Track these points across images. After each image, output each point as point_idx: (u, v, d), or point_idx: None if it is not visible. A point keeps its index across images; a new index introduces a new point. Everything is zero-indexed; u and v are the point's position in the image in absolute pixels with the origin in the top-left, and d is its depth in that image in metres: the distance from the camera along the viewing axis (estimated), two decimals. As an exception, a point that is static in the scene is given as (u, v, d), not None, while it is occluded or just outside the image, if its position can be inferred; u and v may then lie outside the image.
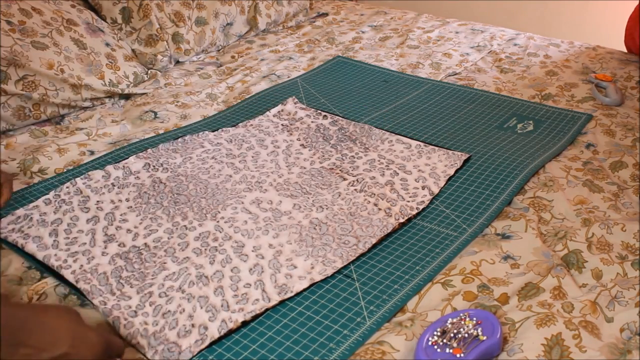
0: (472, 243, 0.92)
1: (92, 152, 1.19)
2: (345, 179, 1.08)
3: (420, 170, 1.10)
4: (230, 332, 0.77)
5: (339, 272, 0.86)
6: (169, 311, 0.79)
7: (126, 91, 1.42)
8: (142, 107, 1.37)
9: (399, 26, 1.94)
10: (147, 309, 0.79)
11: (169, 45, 1.59)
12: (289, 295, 0.82)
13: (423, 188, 1.05)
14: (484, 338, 0.71)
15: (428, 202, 1.02)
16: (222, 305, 0.80)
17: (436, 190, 1.05)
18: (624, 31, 1.75)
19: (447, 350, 0.70)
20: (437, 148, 1.18)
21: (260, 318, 0.79)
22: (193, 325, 0.76)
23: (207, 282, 0.83)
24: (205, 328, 0.76)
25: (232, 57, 1.69)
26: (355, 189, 1.05)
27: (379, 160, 1.14)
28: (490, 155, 1.16)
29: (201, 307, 0.79)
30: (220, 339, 0.76)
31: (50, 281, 0.85)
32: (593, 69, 1.58)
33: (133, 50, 1.56)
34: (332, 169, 1.12)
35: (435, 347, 0.70)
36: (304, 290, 0.84)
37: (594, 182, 1.08)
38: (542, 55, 1.69)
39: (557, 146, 1.20)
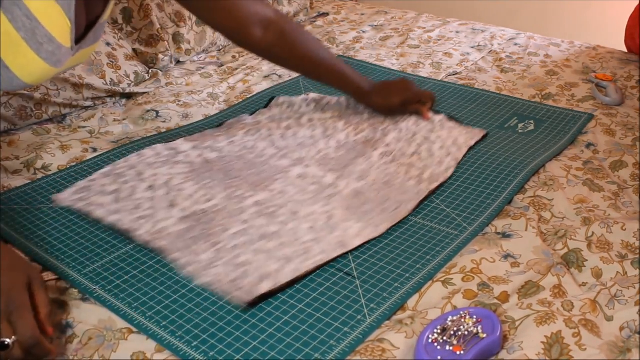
0: (473, 242, 0.93)
1: (94, 150, 1.19)
2: (377, 150, 1.15)
3: (443, 140, 1.19)
4: (301, 278, 0.84)
5: (338, 270, 0.87)
6: (240, 263, 0.85)
7: (127, 90, 1.43)
8: (143, 107, 1.38)
9: (400, 26, 1.94)
10: (219, 263, 0.85)
11: (169, 45, 1.59)
12: (348, 249, 0.89)
13: (447, 155, 1.14)
14: (484, 336, 0.71)
15: (454, 168, 1.11)
16: (287, 258, 0.86)
17: (460, 157, 1.14)
18: (624, 31, 1.75)
19: (447, 348, 0.70)
20: (457, 124, 1.27)
21: (261, 315, 0.79)
22: (265, 274, 0.83)
23: (270, 239, 0.90)
24: (277, 275, 0.83)
25: (233, 56, 1.69)
26: (387, 160, 1.12)
27: (405, 132, 1.21)
28: (491, 154, 1.16)
29: (269, 260, 0.86)
30: (291, 283, 0.83)
31: (50, 275, 0.85)
32: (593, 69, 1.59)
33: (134, 50, 1.56)
34: (365, 142, 1.19)
35: (436, 344, 0.71)
36: (357, 248, 0.90)
37: (594, 182, 1.08)
38: (543, 55, 1.69)
39: (558, 146, 1.20)
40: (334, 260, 0.88)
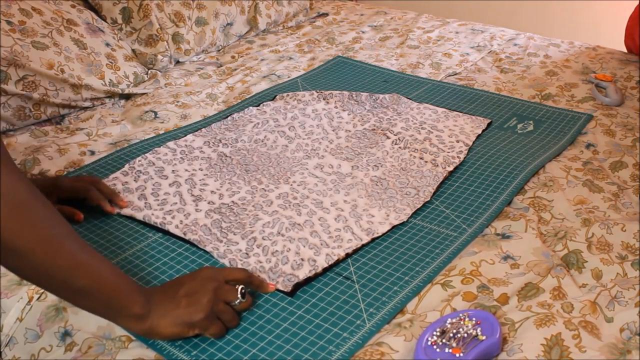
0: (472, 243, 0.92)
1: (92, 153, 1.19)
2: (389, 137, 1.19)
3: (450, 129, 1.23)
4: (336, 263, 0.87)
5: (337, 274, 0.87)
6: (276, 251, 0.88)
7: (126, 91, 1.42)
8: (142, 107, 1.37)
9: (399, 26, 1.94)
10: (256, 251, 0.88)
11: (169, 46, 1.59)
12: (376, 235, 0.92)
13: (457, 142, 1.18)
14: (484, 338, 0.71)
15: (466, 152, 1.14)
16: (321, 244, 0.89)
17: (470, 143, 1.18)
18: (624, 31, 1.75)
19: (447, 350, 0.70)
20: (460, 114, 1.30)
21: (260, 322, 0.78)
22: (302, 260, 0.86)
23: (302, 228, 0.93)
24: (314, 261, 0.86)
25: (232, 57, 1.69)
26: (400, 147, 1.16)
27: (412, 121, 1.25)
28: (490, 155, 1.16)
29: (304, 246, 0.89)
30: (327, 269, 0.85)
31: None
32: (593, 69, 1.58)
33: (133, 50, 1.56)
34: (374, 129, 1.23)
35: (435, 347, 0.70)
36: (383, 234, 0.94)
37: (594, 182, 1.08)
38: (542, 55, 1.69)
39: (557, 146, 1.20)
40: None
